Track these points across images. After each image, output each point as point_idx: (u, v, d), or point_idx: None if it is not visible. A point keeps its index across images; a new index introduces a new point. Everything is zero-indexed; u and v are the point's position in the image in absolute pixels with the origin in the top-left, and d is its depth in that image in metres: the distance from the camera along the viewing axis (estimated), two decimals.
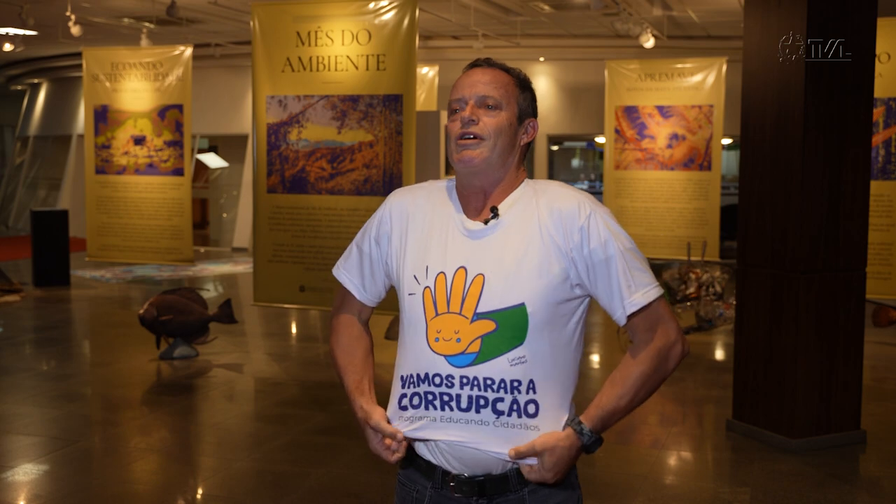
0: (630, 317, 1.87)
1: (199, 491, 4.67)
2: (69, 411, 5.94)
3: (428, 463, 1.94)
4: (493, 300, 1.84)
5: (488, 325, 1.84)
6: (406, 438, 1.93)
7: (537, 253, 1.85)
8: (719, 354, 7.94)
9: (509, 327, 1.84)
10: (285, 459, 4.99)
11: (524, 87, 1.98)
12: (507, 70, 1.98)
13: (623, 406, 1.86)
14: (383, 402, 2.00)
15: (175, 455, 5.24)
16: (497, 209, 1.90)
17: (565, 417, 1.88)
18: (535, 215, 1.88)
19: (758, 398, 5.30)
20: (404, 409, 1.92)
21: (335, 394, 6.38)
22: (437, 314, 1.88)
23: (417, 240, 1.95)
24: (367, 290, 2.08)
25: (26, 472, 4.79)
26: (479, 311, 1.85)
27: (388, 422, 1.95)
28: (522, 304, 1.83)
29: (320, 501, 4.43)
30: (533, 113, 1.99)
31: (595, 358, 7.70)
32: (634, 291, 1.85)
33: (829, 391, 5.16)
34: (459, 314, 1.86)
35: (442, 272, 1.89)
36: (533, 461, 1.85)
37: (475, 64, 1.99)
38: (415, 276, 1.92)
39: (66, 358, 7.71)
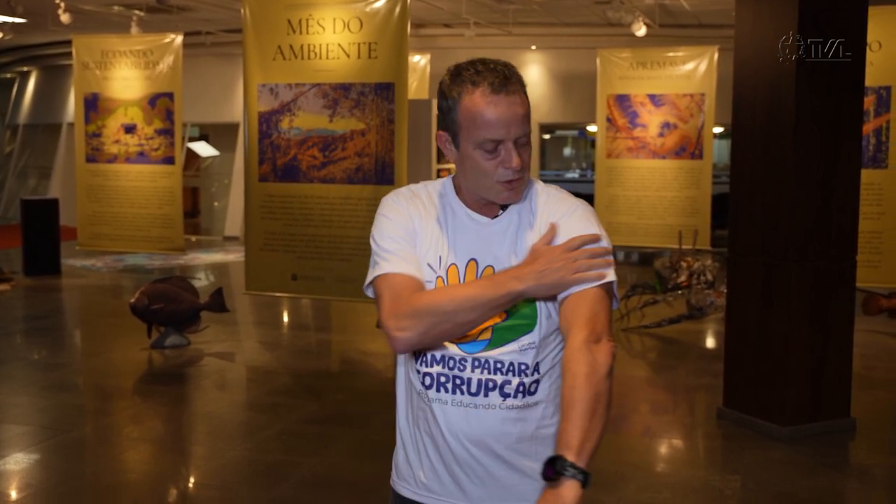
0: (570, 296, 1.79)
1: (192, 480, 4.67)
2: (60, 401, 5.93)
3: None
4: None
5: (500, 315, 1.86)
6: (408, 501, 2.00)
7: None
8: (710, 343, 7.97)
9: (520, 317, 1.87)
10: (278, 448, 5.00)
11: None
12: (521, 83, 1.84)
13: (601, 433, 1.75)
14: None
15: (167, 444, 5.24)
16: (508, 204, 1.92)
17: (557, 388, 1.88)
18: (540, 213, 1.91)
19: (748, 386, 5.32)
20: (424, 385, 1.94)
21: (327, 383, 6.38)
22: None
23: (426, 232, 1.94)
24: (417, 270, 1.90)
25: (17, 462, 4.78)
26: None
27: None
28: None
29: (313, 490, 4.44)
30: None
31: None
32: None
33: (819, 379, 5.18)
34: None
35: (454, 263, 1.91)
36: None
37: (495, 86, 1.79)
38: (429, 265, 1.93)
39: (57, 347, 7.69)
